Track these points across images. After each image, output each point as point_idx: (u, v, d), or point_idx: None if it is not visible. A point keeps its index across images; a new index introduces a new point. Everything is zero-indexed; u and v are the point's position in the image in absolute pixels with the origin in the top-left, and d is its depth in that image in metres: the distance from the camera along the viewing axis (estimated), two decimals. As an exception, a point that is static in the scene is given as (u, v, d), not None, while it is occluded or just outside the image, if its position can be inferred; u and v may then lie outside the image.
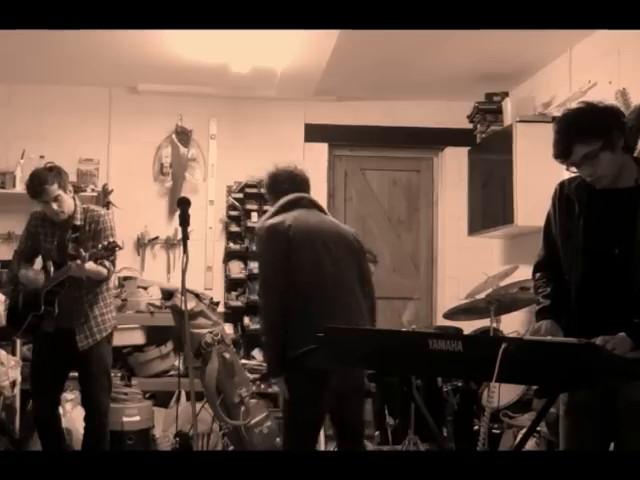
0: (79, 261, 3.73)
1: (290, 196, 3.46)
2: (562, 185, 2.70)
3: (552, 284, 2.67)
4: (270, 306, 3.28)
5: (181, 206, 3.33)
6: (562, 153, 2.51)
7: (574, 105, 2.64)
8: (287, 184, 3.49)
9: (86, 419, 4.08)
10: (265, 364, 3.75)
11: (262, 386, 5.34)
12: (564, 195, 2.66)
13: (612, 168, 2.50)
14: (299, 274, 3.27)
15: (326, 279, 3.32)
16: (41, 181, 3.87)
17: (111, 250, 3.79)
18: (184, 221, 3.31)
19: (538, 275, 2.75)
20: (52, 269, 3.94)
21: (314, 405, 3.27)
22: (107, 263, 3.90)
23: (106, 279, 4.02)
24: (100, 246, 3.78)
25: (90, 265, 3.78)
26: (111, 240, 3.82)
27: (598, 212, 2.56)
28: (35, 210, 4.11)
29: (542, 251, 2.77)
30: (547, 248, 2.74)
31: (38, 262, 4.14)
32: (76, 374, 4.13)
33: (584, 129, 2.48)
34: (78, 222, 3.98)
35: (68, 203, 3.96)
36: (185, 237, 3.30)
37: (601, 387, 2.28)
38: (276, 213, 3.40)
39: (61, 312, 3.92)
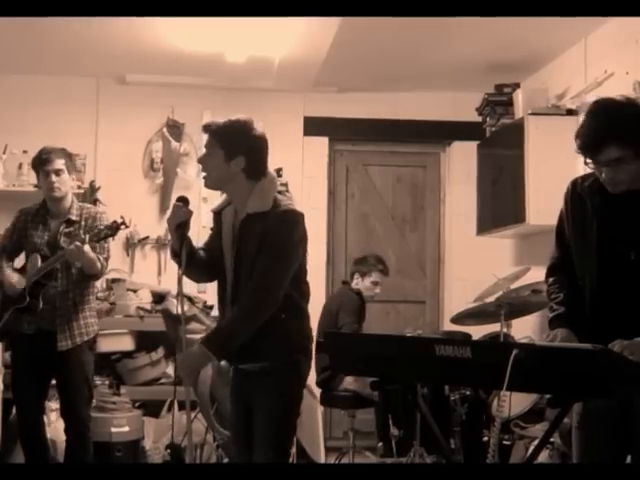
0: (78, 243, 3.74)
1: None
2: (575, 183, 2.68)
3: (566, 290, 2.66)
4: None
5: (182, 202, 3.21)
6: (590, 150, 2.44)
7: (615, 97, 2.53)
8: None
9: (66, 431, 4.11)
10: None
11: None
12: (577, 194, 2.64)
13: (634, 175, 2.45)
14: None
15: None
16: (48, 150, 4.06)
17: (115, 229, 3.82)
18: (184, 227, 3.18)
19: (551, 280, 2.74)
20: (39, 262, 3.94)
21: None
22: (101, 258, 3.94)
23: (97, 276, 4.03)
24: (102, 226, 3.85)
25: (88, 249, 3.80)
26: (115, 219, 3.86)
27: (613, 214, 2.55)
28: (24, 207, 4.19)
29: (555, 253, 2.76)
30: (560, 250, 2.73)
31: (20, 260, 4.17)
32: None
33: (623, 132, 2.40)
34: (73, 217, 4.05)
35: (67, 185, 4.08)
36: (183, 243, 3.16)
37: (617, 396, 2.28)
38: None
39: (44, 309, 3.93)
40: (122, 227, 3.85)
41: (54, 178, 4.01)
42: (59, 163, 4.02)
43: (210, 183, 3.12)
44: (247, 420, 3.09)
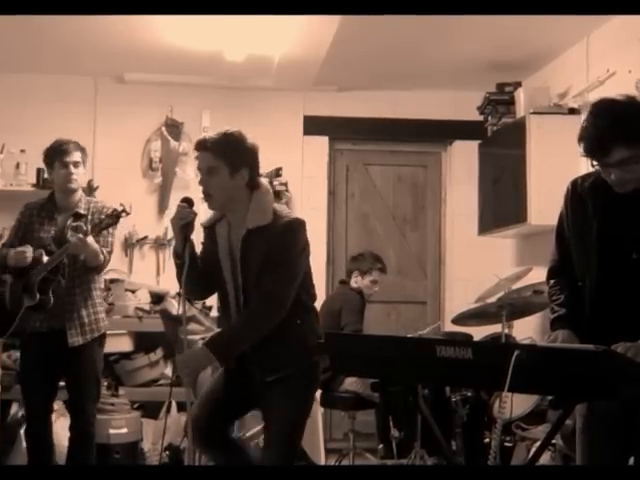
0: (81, 235, 3.74)
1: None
2: (574, 184, 2.67)
3: (566, 291, 2.66)
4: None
5: (186, 203, 3.18)
6: (597, 153, 2.41)
7: (616, 97, 2.50)
8: None
9: (71, 428, 4.10)
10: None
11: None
12: (577, 195, 2.63)
13: None
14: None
15: None
16: (66, 142, 4.05)
17: (116, 217, 3.84)
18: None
19: (552, 282, 2.74)
20: (45, 259, 3.93)
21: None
22: (104, 251, 3.93)
23: (99, 268, 4.02)
24: (103, 216, 3.88)
25: (91, 241, 3.79)
26: (116, 207, 3.88)
27: (614, 215, 2.54)
28: (29, 202, 4.17)
29: (555, 255, 2.75)
30: (560, 252, 2.73)
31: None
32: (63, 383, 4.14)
33: (629, 131, 2.37)
34: (82, 210, 4.05)
35: (82, 179, 4.11)
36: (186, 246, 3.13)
37: (620, 397, 2.28)
38: None
39: (54, 306, 3.92)
40: (123, 215, 3.87)
41: (72, 169, 4.00)
42: (77, 155, 4.03)
43: (216, 204, 3.03)
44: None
